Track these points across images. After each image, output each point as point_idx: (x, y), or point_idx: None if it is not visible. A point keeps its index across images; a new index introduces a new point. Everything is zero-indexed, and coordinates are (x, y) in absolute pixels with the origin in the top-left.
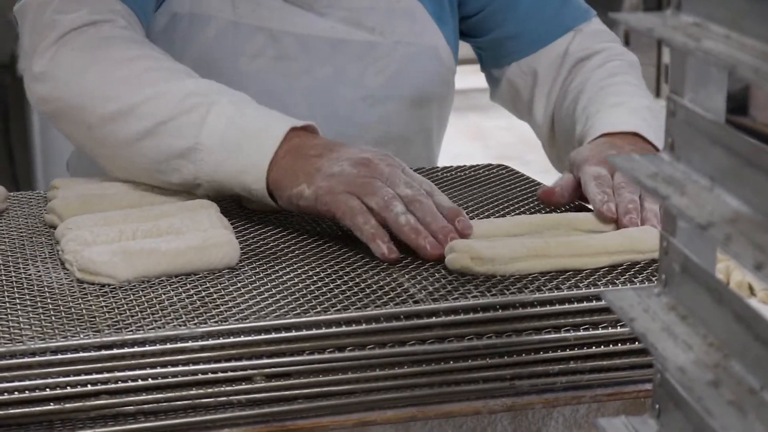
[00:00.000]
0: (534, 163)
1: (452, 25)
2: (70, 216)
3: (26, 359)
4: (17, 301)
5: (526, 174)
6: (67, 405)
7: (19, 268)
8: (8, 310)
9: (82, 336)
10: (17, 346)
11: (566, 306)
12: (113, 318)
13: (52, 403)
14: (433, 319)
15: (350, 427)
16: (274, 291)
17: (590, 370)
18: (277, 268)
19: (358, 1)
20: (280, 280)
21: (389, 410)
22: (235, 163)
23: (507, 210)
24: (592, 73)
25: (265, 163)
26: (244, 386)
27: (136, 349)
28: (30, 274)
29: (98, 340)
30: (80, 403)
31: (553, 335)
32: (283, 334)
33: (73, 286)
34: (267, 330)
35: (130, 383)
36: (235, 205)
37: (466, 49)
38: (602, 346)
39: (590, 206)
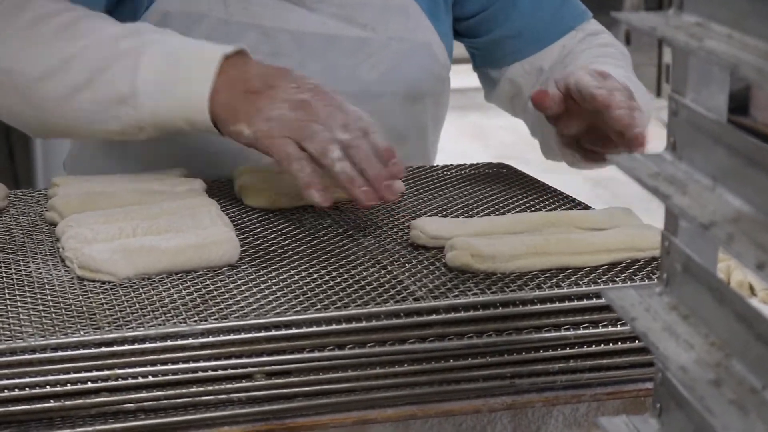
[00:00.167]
0: (534, 162)
1: (446, 22)
2: (71, 213)
3: (27, 356)
4: (17, 298)
5: (527, 173)
6: (68, 402)
7: (19, 266)
8: (8, 307)
9: (82, 333)
10: (18, 343)
11: (566, 303)
12: (113, 315)
13: (52, 400)
14: (434, 317)
15: (350, 425)
16: (274, 288)
17: (590, 368)
18: (277, 265)
19: None
20: (281, 277)
21: (389, 408)
22: (175, 98)
23: (507, 208)
24: (582, 52)
25: (205, 93)
26: (244, 384)
27: (137, 346)
28: (30, 272)
29: (98, 337)
30: (81, 401)
31: (553, 333)
32: (283, 332)
33: (73, 284)
34: (267, 327)
35: (131, 380)
36: (235, 203)
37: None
38: (602, 345)
39: (590, 206)
